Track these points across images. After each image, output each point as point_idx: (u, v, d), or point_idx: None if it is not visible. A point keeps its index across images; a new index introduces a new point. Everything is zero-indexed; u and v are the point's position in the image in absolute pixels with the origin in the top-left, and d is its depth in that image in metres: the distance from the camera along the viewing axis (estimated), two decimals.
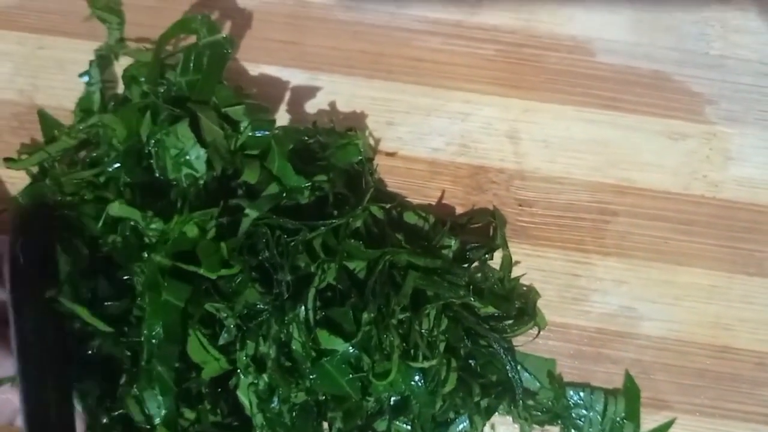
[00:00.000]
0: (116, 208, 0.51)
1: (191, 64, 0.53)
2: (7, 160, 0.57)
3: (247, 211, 0.49)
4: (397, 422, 0.55)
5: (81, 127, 0.55)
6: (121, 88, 0.59)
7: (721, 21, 0.62)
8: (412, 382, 0.52)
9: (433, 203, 0.60)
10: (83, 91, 0.59)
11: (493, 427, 0.59)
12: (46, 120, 0.60)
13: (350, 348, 0.50)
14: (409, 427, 0.55)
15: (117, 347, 0.51)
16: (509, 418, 0.59)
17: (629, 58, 0.61)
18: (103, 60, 0.59)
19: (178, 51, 0.55)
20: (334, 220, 0.51)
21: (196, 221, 0.49)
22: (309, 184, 0.51)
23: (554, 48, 0.61)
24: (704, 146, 0.60)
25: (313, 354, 0.50)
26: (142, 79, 0.56)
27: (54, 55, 0.61)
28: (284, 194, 0.51)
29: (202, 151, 0.50)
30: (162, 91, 0.54)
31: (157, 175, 0.53)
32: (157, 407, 0.48)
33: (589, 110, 0.60)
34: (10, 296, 0.47)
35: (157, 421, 0.48)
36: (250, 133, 0.52)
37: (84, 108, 0.59)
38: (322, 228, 0.51)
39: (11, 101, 0.61)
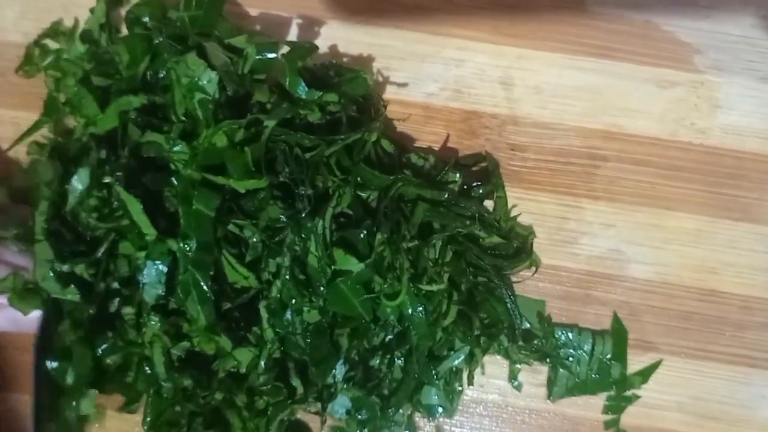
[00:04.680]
0: (147, 136, 0.53)
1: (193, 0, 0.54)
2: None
3: (265, 123, 0.51)
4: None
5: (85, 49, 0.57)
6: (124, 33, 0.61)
7: None
8: (414, 314, 0.53)
9: (425, 146, 0.62)
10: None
11: (482, 365, 0.60)
12: None
13: (364, 267, 0.51)
14: (401, 362, 0.57)
15: None
16: (497, 358, 0.60)
17: (620, 8, 0.62)
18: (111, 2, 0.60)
19: None
20: (350, 134, 0.53)
21: (225, 130, 0.50)
22: (321, 94, 0.53)
23: None
24: (692, 94, 0.62)
25: (329, 271, 0.51)
26: (145, 19, 0.57)
27: None
28: (298, 110, 0.53)
29: (213, 74, 0.51)
30: (164, 29, 0.56)
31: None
32: (196, 315, 0.50)
33: (580, 58, 0.62)
34: None
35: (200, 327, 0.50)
36: (257, 57, 0.53)
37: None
38: (339, 142, 0.52)
39: (17, 43, 0.62)
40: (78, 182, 0.52)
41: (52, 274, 0.50)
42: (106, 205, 0.53)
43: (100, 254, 0.51)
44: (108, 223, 0.52)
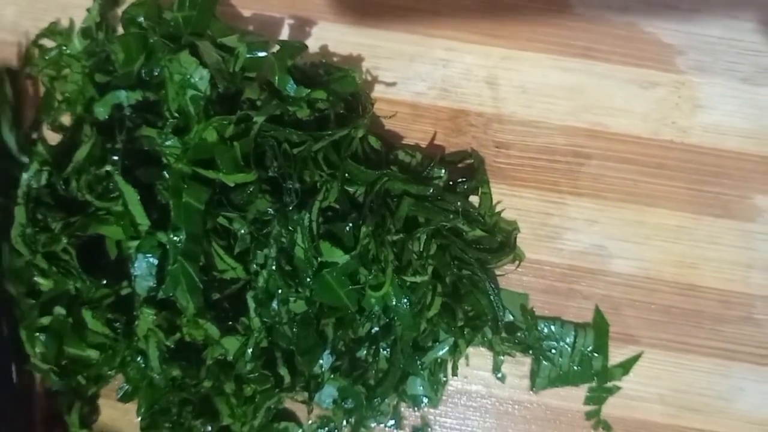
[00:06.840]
0: (142, 131, 0.55)
1: (187, 0, 0.56)
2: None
3: (255, 119, 0.52)
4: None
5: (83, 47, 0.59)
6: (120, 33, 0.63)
7: None
8: (398, 305, 0.55)
9: (413, 144, 0.63)
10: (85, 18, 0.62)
11: (466, 357, 0.62)
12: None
13: (349, 258, 0.53)
14: (386, 353, 0.58)
15: None
16: (481, 349, 0.62)
17: (604, 10, 0.64)
18: (106, 2, 0.62)
19: None
20: (337, 130, 0.54)
21: (215, 126, 0.52)
22: (309, 91, 0.55)
23: None
24: (673, 94, 0.63)
25: (315, 262, 0.53)
26: (140, 19, 0.59)
27: None
28: (287, 106, 0.54)
29: (205, 71, 0.53)
30: (158, 29, 0.58)
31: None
32: (186, 303, 0.52)
33: (564, 58, 0.63)
34: None
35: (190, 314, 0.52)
36: (247, 55, 0.55)
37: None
38: (327, 138, 0.54)
39: (15, 43, 0.64)
40: (80, 154, 0.54)
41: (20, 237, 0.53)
42: (99, 182, 0.55)
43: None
44: (102, 201, 0.54)
